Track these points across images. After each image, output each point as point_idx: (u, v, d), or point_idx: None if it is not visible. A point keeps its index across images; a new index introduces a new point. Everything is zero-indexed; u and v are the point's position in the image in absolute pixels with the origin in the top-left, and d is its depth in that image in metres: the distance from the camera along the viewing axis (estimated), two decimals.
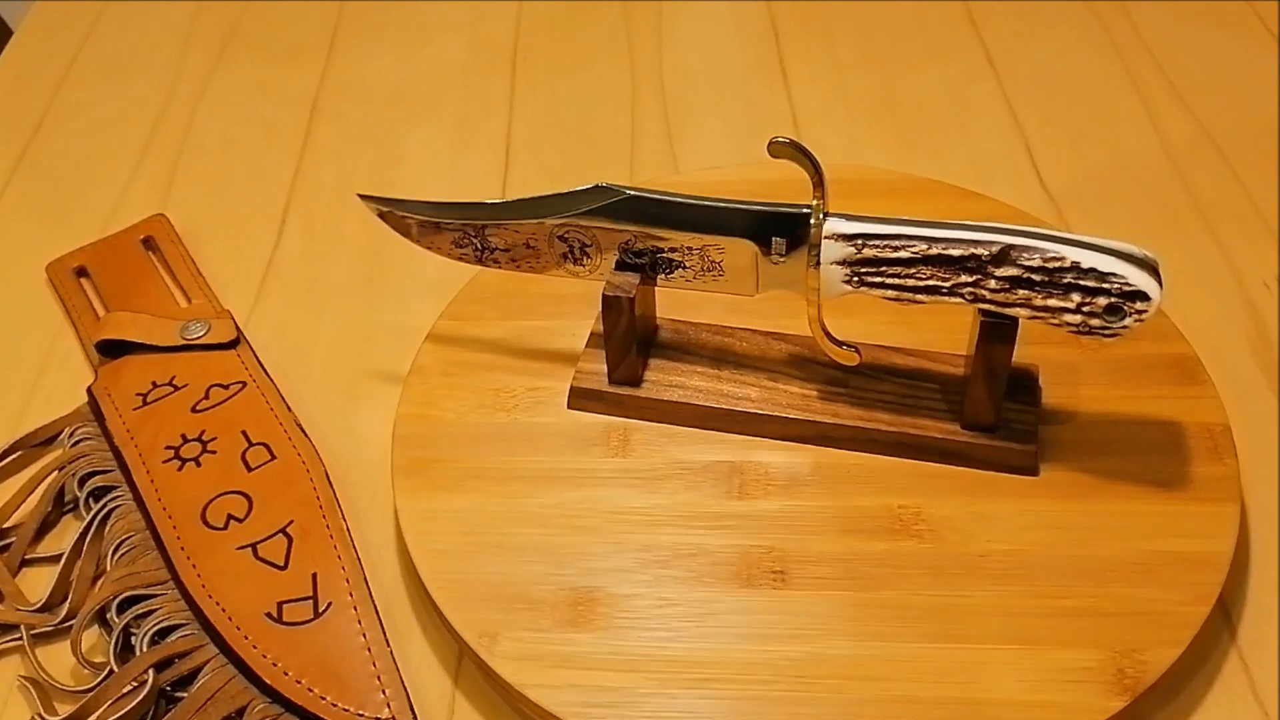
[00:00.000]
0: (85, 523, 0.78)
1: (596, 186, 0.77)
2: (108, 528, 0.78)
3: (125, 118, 1.14)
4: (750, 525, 0.74)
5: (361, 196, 0.84)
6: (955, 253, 0.70)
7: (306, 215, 1.02)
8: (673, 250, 0.77)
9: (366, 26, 1.24)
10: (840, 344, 0.75)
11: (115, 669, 0.70)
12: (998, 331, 0.72)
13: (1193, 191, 0.99)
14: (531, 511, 0.75)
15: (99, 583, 0.75)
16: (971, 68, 1.14)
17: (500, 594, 0.71)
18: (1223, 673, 0.70)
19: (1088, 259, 0.67)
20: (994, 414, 0.75)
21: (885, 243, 0.71)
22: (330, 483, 0.79)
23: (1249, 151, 1.02)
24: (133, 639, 0.72)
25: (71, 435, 0.83)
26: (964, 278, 0.70)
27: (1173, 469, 0.75)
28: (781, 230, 0.73)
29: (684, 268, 0.77)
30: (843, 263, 0.71)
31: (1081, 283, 0.68)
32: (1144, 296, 0.67)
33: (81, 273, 0.97)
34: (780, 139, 0.71)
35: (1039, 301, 0.69)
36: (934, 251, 0.70)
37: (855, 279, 0.72)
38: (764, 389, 0.80)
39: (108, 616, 0.73)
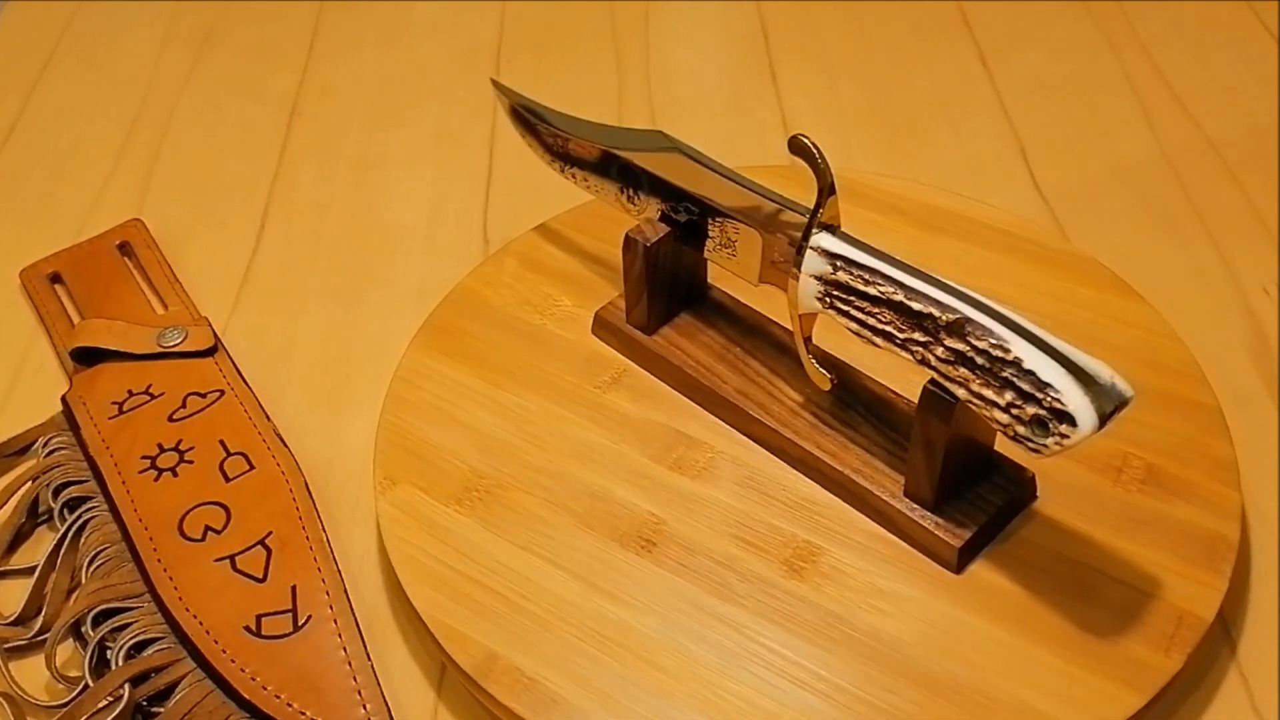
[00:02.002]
0: (60, 534, 0.78)
1: (657, 132, 0.80)
2: (83, 539, 0.78)
3: (100, 120, 1.14)
4: (662, 495, 0.77)
5: (494, 83, 0.91)
6: (916, 306, 0.67)
7: (286, 220, 1.03)
8: (702, 216, 0.79)
9: (347, 27, 1.24)
10: (823, 364, 0.75)
11: (90, 684, 0.70)
12: (935, 404, 0.68)
13: (1191, 195, 0.99)
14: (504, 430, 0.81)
15: (74, 595, 0.75)
16: (965, 69, 1.14)
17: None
18: (1222, 689, 0.70)
19: (1033, 359, 0.63)
20: (931, 490, 0.72)
21: (858, 272, 0.69)
22: (310, 493, 0.79)
23: (1248, 155, 1.03)
24: (108, 653, 0.72)
25: (46, 445, 0.84)
26: (918, 335, 0.67)
27: (1117, 652, 0.68)
28: (781, 229, 0.74)
29: (708, 236, 0.79)
30: (819, 278, 0.71)
31: (1018, 382, 0.63)
32: (1071, 421, 0.61)
33: (56, 279, 0.97)
34: (803, 137, 0.70)
35: (975, 386, 0.65)
36: (898, 298, 0.67)
37: (826, 298, 0.71)
38: (750, 382, 0.80)
39: (83, 630, 0.73)
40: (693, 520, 0.75)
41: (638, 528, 0.75)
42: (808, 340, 0.74)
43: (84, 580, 0.76)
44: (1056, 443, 0.62)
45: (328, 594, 0.73)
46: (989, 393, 0.64)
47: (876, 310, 0.69)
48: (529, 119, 0.89)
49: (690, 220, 0.80)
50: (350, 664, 0.70)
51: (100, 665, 0.72)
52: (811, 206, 0.72)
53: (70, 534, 0.78)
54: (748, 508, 0.76)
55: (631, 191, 0.83)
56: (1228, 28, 1.17)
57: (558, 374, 0.84)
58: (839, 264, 0.70)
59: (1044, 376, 0.62)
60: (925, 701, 0.67)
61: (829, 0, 1.23)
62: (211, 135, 1.12)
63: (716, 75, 1.15)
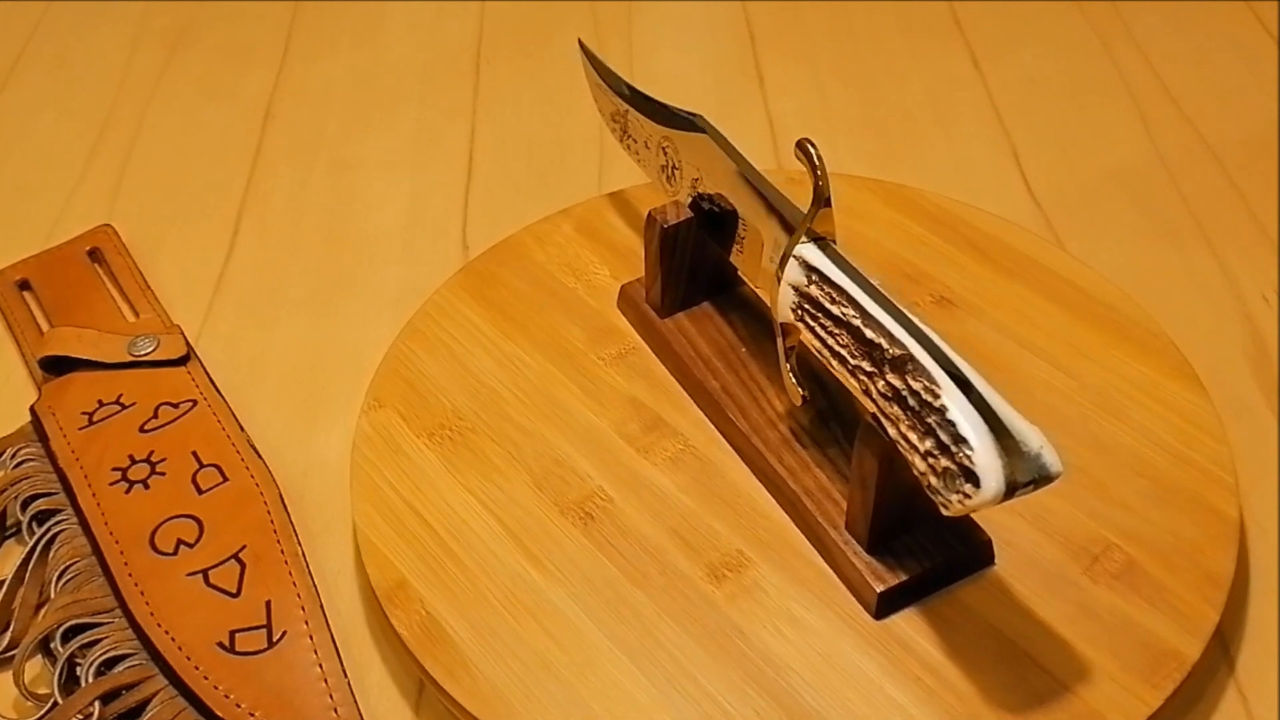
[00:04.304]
0: (28, 548, 0.78)
1: (698, 115, 0.81)
2: (52, 553, 0.78)
3: (70, 123, 1.15)
4: (619, 474, 0.79)
5: (581, 44, 0.93)
6: (869, 334, 0.66)
7: (260, 225, 1.03)
8: (721, 209, 0.80)
9: (322, 27, 1.24)
10: (807, 380, 0.75)
11: (60, 701, 0.70)
12: (870, 439, 0.67)
13: (1188, 201, 1.00)
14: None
15: (42, 611, 0.75)
16: (956, 70, 1.15)
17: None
18: (1220, 708, 0.71)
19: (958, 411, 0.61)
20: (865, 527, 0.71)
21: (828, 289, 0.69)
22: (285, 506, 0.79)
23: (1247, 159, 1.03)
24: (78, 670, 0.72)
25: (13, 456, 0.84)
26: (865, 365, 0.66)
27: None
28: (778, 233, 0.74)
29: (722, 229, 0.80)
30: (796, 289, 0.71)
31: (939, 431, 0.61)
32: (976, 482, 0.59)
33: (24, 286, 0.97)
34: (809, 144, 0.71)
35: (903, 427, 0.63)
36: (855, 322, 0.67)
37: (798, 311, 0.71)
38: (740, 383, 0.81)
39: (52, 646, 0.73)
40: (638, 505, 0.77)
41: (583, 500, 0.77)
42: (791, 350, 0.74)
43: (53, 595, 0.76)
44: (960, 501, 0.60)
45: (303, 609, 0.74)
46: (913, 436, 0.63)
47: (837, 331, 0.68)
48: (600, 84, 0.91)
49: (715, 211, 0.80)
50: (326, 681, 0.71)
51: (70, 682, 0.72)
52: (801, 213, 0.72)
53: (39, 547, 0.78)
54: (696, 505, 0.77)
55: (671, 170, 0.84)
56: (1226, 28, 1.17)
57: (569, 338, 0.87)
58: (814, 277, 0.70)
59: (962, 430, 0.60)
60: None
61: (817, 0, 1.23)
62: (183, 139, 1.12)
63: (702, 77, 1.16)
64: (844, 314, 0.67)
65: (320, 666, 0.71)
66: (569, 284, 0.91)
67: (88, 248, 0.99)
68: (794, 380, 0.75)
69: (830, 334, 0.69)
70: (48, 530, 0.79)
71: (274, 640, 0.72)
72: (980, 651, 0.69)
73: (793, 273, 0.71)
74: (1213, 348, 0.87)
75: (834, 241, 0.72)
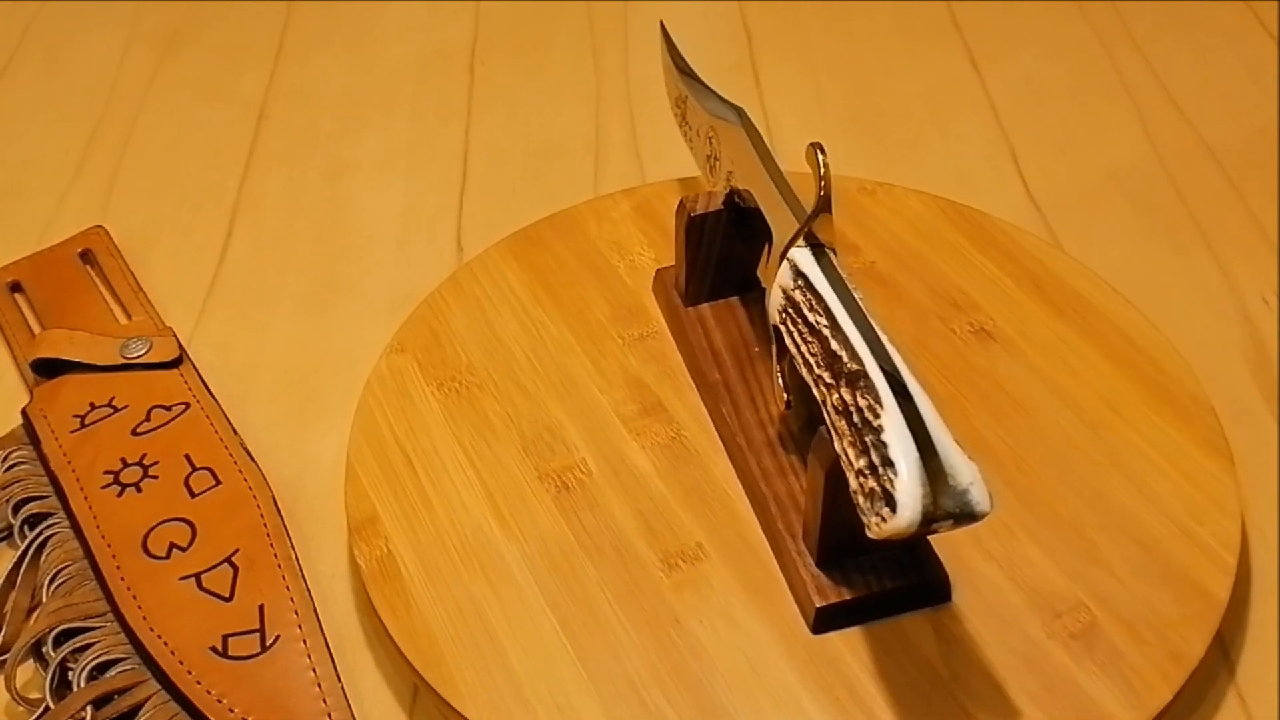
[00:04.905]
0: (20, 552, 0.78)
1: (739, 108, 0.82)
2: (43, 557, 0.78)
3: (62, 124, 1.15)
4: (605, 451, 0.80)
5: (663, 26, 0.94)
6: (834, 345, 0.65)
7: (253, 227, 1.03)
8: (747, 205, 0.80)
9: (316, 28, 1.24)
10: (787, 384, 0.75)
11: (51, 705, 0.71)
12: (821, 450, 0.67)
13: (1188, 202, 1.00)
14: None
15: (34, 615, 0.75)
16: (954, 71, 1.15)
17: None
18: (1220, 712, 0.71)
19: (894, 434, 0.60)
20: (814, 540, 0.71)
21: (808, 295, 0.69)
22: (278, 509, 0.79)
23: (1246, 160, 1.03)
24: (70, 674, 0.72)
25: (5, 459, 0.84)
26: (826, 376, 0.66)
27: None
28: (779, 232, 0.74)
29: (751, 225, 0.80)
30: (784, 291, 0.71)
31: (872, 452, 0.60)
32: (894, 507, 0.58)
33: (15, 288, 0.97)
34: (819, 149, 0.70)
35: (845, 443, 0.63)
36: (825, 331, 0.66)
37: (783, 314, 0.71)
38: (743, 382, 0.81)
39: (43, 650, 0.73)
40: (615, 483, 0.79)
41: (564, 469, 0.79)
42: (784, 353, 0.74)
43: (45, 599, 0.76)
44: (877, 524, 0.59)
45: (296, 613, 0.74)
46: (852, 453, 0.62)
47: (810, 339, 0.68)
48: (671, 65, 0.92)
49: (743, 207, 0.80)
50: (320, 685, 0.71)
51: (61, 687, 0.72)
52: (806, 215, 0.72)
53: (30, 551, 0.78)
54: (669, 493, 0.78)
55: (713, 161, 0.85)
56: (1225, 28, 1.17)
57: (597, 314, 0.89)
58: (800, 282, 0.70)
59: (892, 453, 0.59)
60: None
61: (814, 0, 1.23)
62: (176, 140, 1.12)
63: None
64: (817, 322, 0.67)
65: (314, 671, 0.71)
66: (612, 261, 0.93)
67: (80, 249, 0.99)
68: (781, 383, 0.75)
69: (805, 340, 0.68)
70: (39, 534, 0.79)
71: (267, 644, 0.72)
72: (908, 685, 0.68)
73: (783, 275, 0.71)
74: (1212, 349, 0.87)
75: (833, 250, 0.71)
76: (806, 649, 0.70)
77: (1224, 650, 0.73)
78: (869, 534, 0.60)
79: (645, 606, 0.72)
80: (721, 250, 0.84)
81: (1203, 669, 0.69)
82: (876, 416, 0.61)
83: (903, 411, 0.61)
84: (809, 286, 0.69)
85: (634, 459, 0.80)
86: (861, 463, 0.61)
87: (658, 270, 0.90)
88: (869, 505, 0.60)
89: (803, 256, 0.71)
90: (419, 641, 0.71)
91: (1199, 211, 0.99)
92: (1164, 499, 0.76)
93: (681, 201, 0.83)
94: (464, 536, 0.76)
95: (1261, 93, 1.10)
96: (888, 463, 0.59)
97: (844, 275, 0.69)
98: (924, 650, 0.70)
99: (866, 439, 0.61)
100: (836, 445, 0.64)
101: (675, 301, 0.86)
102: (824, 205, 0.70)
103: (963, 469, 0.59)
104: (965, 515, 0.58)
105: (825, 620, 0.70)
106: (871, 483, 0.60)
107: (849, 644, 0.70)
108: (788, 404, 0.75)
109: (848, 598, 0.70)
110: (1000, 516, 0.74)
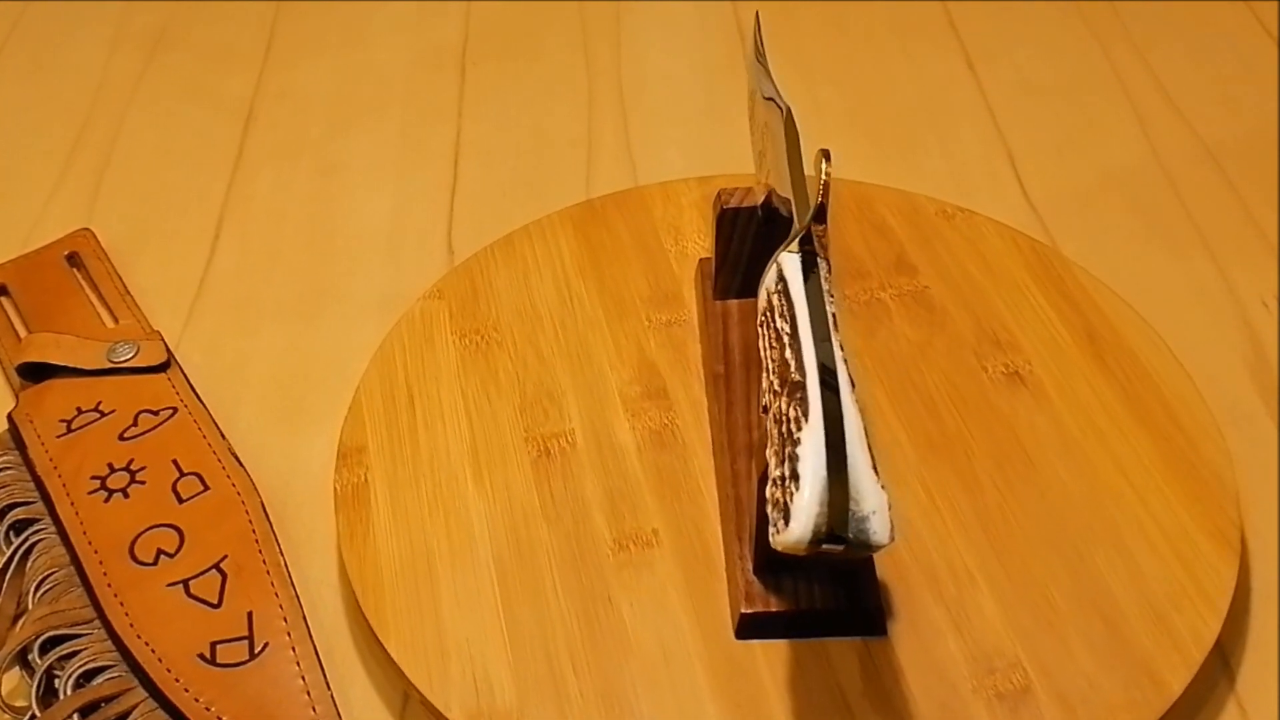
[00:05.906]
0: (5, 558, 0.78)
1: (786, 107, 0.81)
2: (29, 563, 0.78)
3: (48, 125, 1.14)
4: (594, 426, 0.83)
5: (757, 17, 0.91)
6: (786, 354, 0.64)
7: (241, 230, 1.03)
8: (777, 203, 0.79)
9: (305, 29, 1.24)
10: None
11: (38, 714, 0.71)
12: (760, 458, 0.67)
13: (1186, 204, 1.00)
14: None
15: (20, 622, 0.75)
16: (950, 72, 1.15)
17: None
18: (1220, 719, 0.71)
19: (809, 450, 0.59)
20: (750, 547, 0.71)
21: (783, 301, 0.68)
22: (267, 515, 0.79)
23: (1246, 161, 1.03)
24: (56, 682, 0.72)
25: None
26: (775, 383, 0.65)
27: None
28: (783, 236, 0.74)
29: (781, 225, 0.79)
30: (766, 294, 0.70)
31: (786, 465, 0.59)
32: (788, 521, 0.57)
33: (1, 291, 0.97)
34: (826, 156, 0.70)
35: (773, 449, 0.62)
36: (786, 340, 0.65)
37: (761, 317, 0.70)
38: (744, 381, 0.81)
39: (29, 658, 0.73)
40: (594, 458, 0.81)
41: (551, 436, 0.82)
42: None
43: (31, 606, 0.76)
44: (773, 535, 0.58)
45: (285, 620, 0.74)
46: (773, 462, 0.61)
47: (775, 345, 0.67)
48: (751, 59, 0.91)
49: (774, 206, 0.80)
50: (309, 693, 0.71)
51: (48, 694, 0.72)
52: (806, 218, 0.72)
53: (16, 558, 0.78)
54: (644, 477, 0.79)
55: (761, 157, 0.85)
56: (1225, 29, 1.18)
57: (632, 295, 0.91)
58: (779, 286, 0.69)
59: (800, 468, 0.58)
60: (587, 697, 0.70)
61: (809, 1, 1.24)
62: (164, 141, 1.12)
63: (691, 79, 1.16)
64: (781, 329, 0.67)
65: (303, 679, 0.71)
66: (665, 245, 0.94)
67: (66, 252, 0.99)
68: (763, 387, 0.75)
69: (770, 346, 0.68)
70: (25, 540, 0.79)
71: (256, 652, 0.72)
72: (812, 708, 0.68)
73: (769, 278, 0.71)
74: (1211, 353, 0.88)
75: (825, 260, 0.71)
76: (725, 652, 0.71)
77: (1223, 658, 0.73)
78: (770, 541, 0.60)
79: (583, 580, 0.74)
80: (754, 247, 0.84)
81: (1201, 678, 0.69)
82: (799, 429, 0.60)
83: (826, 429, 0.59)
84: (785, 291, 0.68)
85: (621, 438, 0.81)
86: (778, 473, 0.60)
87: (701, 260, 0.90)
88: (774, 514, 0.59)
89: (790, 262, 0.70)
90: (365, 569, 0.75)
91: (1198, 214, 0.99)
92: (1147, 579, 0.73)
93: (719, 192, 0.83)
94: (437, 482, 0.79)
95: (1261, 93, 1.10)
96: (795, 476, 0.58)
97: (826, 288, 0.68)
98: (841, 678, 0.70)
99: (786, 450, 0.60)
100: (767, 453, 0.63)
101: (705, 290, 0.87)
102: (819, 215, 0.70)
103: (869, 497, 0.57)
104: (860, 543, 0.56)
105: (750, 627, 0.71)
106: (779, 493, 0.59)
107: (768, 654, 0.71)
108: (764, 408, 0.75)
109: (774, 609, 0.71)
110: (964, 560, 0.74)
